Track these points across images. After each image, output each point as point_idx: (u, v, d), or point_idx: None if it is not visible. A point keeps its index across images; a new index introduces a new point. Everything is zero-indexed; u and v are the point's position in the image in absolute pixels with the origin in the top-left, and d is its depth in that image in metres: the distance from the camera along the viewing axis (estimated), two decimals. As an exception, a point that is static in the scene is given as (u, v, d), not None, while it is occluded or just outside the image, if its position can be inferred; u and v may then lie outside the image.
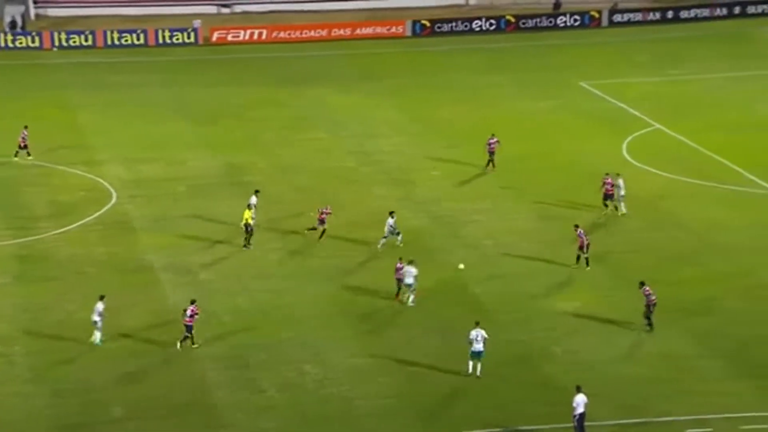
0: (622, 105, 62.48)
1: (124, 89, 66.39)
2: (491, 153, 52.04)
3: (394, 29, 79.46)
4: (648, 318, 37.71)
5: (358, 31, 79.08)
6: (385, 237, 44.02)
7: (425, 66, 71.82)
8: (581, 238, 42.25)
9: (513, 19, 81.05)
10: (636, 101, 62.59)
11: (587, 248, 42.21)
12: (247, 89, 66.51)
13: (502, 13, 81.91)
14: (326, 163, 54.09)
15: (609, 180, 46.73)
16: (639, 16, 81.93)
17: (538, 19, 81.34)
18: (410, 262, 40.15)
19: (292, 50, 75.49)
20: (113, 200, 49.52)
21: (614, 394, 34.56)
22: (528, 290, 41.34)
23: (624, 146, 55.65)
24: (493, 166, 51.98)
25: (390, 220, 44.02)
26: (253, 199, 45.88)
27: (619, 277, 41.99)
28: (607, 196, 46.64)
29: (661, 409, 33.86)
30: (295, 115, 62.20)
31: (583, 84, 66.58)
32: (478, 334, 35.49)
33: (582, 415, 32.36)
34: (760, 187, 49.84)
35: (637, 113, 60.84)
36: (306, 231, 45.12)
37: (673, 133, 57.27)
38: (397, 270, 40.30)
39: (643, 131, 57.95)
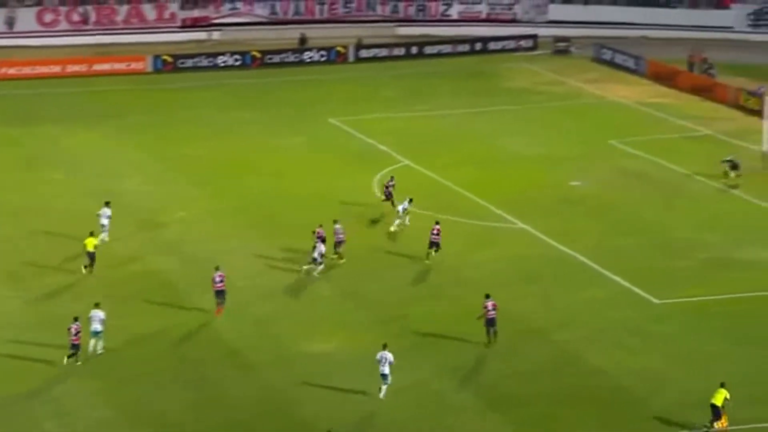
0: (371, 141, 63.88)
1: None
2: (389, 195, 52.04)
3: (133, 65, 78.56)
4: (488, 332, 39.96)
5: (95, 67, 77.72)
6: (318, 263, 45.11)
7: (169, 103, 71.35)
8: (433, 235, 45.81)
9: (258, 55, 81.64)
10: (384, 137, 64.13)
11: (437, 246, 45.87)
12: (-25, 128, 64.26)
13: (247, 49, 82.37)
14: (64, 205, 52.82)
15: (337, 227, 47.31)
16: (385, 52, 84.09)
17: (284, 55, 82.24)
18: (96, 305, 39.44)
19: (23, 87, 73.45)
20: None
21: (372, 434, 35.19)
22: (282, 332, 41.59)
23: (374, 182, 56.92)
24: (393, 205, 51.76)
25: (321, 247, 45.08)
26: (106, 211, 46.52)
27: (371, 315, 42.81)
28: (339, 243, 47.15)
29: (419, 446, 34.70)
30: (28, 154, 60.55)
31: (332, 120, 67.73)
32: (382, 357, 36.24)
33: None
34: (508, 221, 51.89)
35: (385, 149, 62.35)
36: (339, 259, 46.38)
37: (421, 169, 58.97)
38: (216, 281, 41.37)
39: (392, 167, 59.43)
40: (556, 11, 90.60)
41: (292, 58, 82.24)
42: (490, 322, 40.10)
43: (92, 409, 36.22)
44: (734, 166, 55.90)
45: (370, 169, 58.75)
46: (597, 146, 62.37)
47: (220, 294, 41.98)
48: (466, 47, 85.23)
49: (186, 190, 55.37)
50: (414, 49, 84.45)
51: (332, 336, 41.08)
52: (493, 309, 40.06)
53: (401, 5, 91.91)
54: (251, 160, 60.17)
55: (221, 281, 41.87)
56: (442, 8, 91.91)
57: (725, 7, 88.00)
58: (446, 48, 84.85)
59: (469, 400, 37.21)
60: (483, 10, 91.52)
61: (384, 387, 36.56)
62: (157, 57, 79.28)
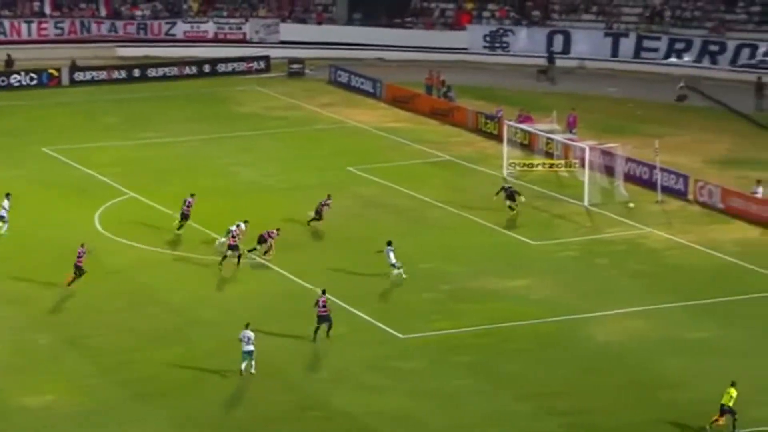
0: (91, 172, 62.45)
1: None
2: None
3: None
4: (316, 330, 43.14)
5: None
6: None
7: None
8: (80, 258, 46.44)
9: (-42, 79, 78.92)
10: (106, 168, 62.83)
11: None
12: None
13: (-55, 72, 79.54)
14: None
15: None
16: (103, 75, 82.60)
17: (-12, 78, 79.80)
18: None
19: None
20: None
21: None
22: (-6, 387, 39.97)
23: (96, 217, 55.63)
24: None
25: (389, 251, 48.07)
26: (5, 203, 47.47)
27: (94, 363, 41.63)
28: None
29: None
30: None
31: (46, 149, 65.86)
32: (244, 335, 39.88)
33: None
34: (249, 257, 51.51)
35: (108, 181, 61.06)
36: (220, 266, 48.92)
37: (148, 201, 58.02)
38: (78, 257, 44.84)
39: (116, 200, 58.23)
40: (288, 31, 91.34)
41: (-3, 81, 79.82)
42: (320, 320, 43.01)
43: None
44: (511, 195, 56.84)
45: (92, 203, 57.42)
46: (335, 174, 62.99)
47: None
48: (193, 69, 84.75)
49: None
50: (136, 72, 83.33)
51: (50, 387, 39.69)
52: (324, 306, 42.94)
53: (120, 24, 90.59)
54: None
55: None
56: (165, 27, 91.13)
57: (461, 28, 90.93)
58: (172, 70, 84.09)
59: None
60: (210, 29, 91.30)
61: (253, 363, 39.86)
62: None
